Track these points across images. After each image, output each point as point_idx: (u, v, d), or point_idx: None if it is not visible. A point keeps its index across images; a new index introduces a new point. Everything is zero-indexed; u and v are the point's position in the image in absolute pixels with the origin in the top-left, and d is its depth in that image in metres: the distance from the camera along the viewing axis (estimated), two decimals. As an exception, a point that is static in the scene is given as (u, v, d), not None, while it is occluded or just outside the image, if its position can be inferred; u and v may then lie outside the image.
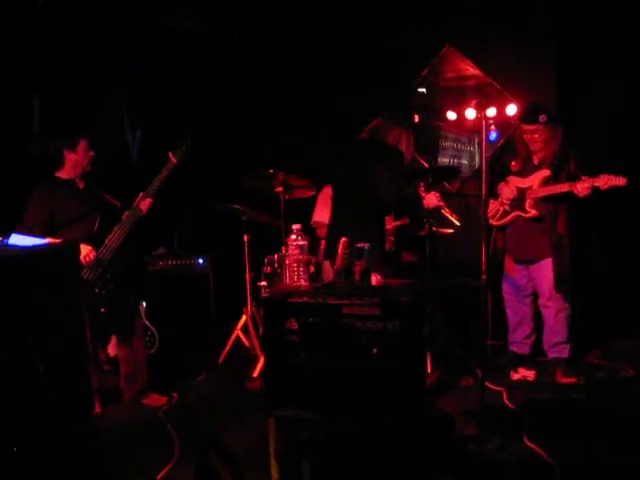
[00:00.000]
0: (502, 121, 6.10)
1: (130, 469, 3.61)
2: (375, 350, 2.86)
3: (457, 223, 5.07)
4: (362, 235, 4.07)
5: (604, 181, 4.50)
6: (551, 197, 4.82)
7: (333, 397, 2.98)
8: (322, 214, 5.91)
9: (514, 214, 5.00)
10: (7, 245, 2.82)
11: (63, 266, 2.81)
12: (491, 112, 5.30)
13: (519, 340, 5.18)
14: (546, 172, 4.86)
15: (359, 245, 3.23)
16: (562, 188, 4.72)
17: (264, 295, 2.97)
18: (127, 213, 4.51)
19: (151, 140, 6.35)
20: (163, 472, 3.59)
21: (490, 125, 6.25)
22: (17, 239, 2.92)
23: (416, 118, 6.74)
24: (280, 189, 5.17)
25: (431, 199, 4.68)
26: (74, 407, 2.81)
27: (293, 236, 3.20)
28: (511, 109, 6.29)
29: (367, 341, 2.90)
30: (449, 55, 6.90)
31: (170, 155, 4.58)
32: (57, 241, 3.16)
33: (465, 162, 7.04)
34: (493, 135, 6.42)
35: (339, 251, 3.32)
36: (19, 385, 2.51)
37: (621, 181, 4.46)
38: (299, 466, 2.88)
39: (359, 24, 6.66)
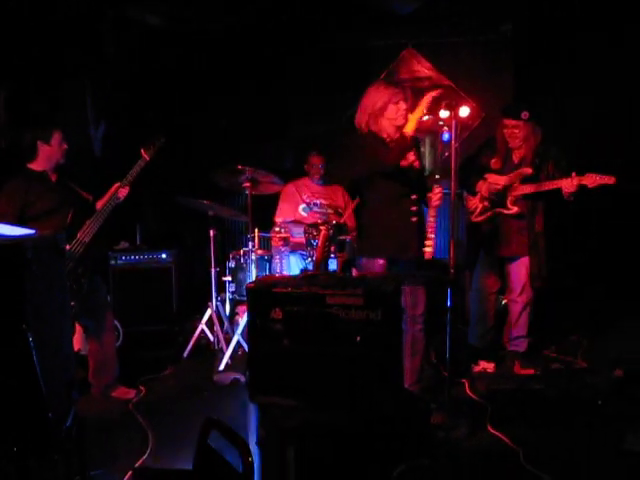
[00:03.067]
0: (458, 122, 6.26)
1: (106, 459, 3.62)
2: (358, 338, 2.96)
3: None
4: None
5: (592, 179, 4.47)
6: (532, 195, 4.81)
7: (316, 385, 3.06)
8: (285, 213, 5.97)
9: (495, 210, 4.98)
10: (-3, 234, 2.81)
11: (53, 255, 2.83)
12: (444, 114, 5.27)
13: (479, 334, 5.26)
14: (527, 170, 4.80)
15: (341, 237, 3.32)
16: (548, 186, 4.68)
17: (249, 285, 3.03)
18: (102, 202, 4.48)
19: (115, 133, 6.31)
20: (140, 461, 3.63)
21: (442, 126, 6.37)
22: (4, 228, 2.91)
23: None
24: (248, 184, 5.22)
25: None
26: (63, 396, 2.83)
27: (277, 228, 3.28)
28: (464, 111, 6.43)
29: (350, 330, 2.98)
30: (407, 57, 7.08)
31: (142, 152, 4.53)
32: (46, 231, 3.16)
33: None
34: (446, 135, 6.56)
35: (319, 243, 3.41)
36: (15, 373, 2.52)
37: (610, 180, 4.44)
38: (283, 453, 2.96)
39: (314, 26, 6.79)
